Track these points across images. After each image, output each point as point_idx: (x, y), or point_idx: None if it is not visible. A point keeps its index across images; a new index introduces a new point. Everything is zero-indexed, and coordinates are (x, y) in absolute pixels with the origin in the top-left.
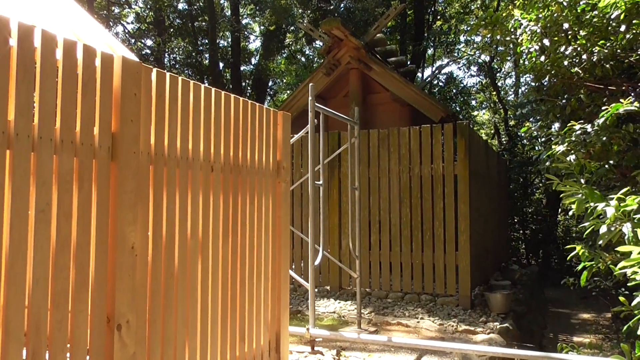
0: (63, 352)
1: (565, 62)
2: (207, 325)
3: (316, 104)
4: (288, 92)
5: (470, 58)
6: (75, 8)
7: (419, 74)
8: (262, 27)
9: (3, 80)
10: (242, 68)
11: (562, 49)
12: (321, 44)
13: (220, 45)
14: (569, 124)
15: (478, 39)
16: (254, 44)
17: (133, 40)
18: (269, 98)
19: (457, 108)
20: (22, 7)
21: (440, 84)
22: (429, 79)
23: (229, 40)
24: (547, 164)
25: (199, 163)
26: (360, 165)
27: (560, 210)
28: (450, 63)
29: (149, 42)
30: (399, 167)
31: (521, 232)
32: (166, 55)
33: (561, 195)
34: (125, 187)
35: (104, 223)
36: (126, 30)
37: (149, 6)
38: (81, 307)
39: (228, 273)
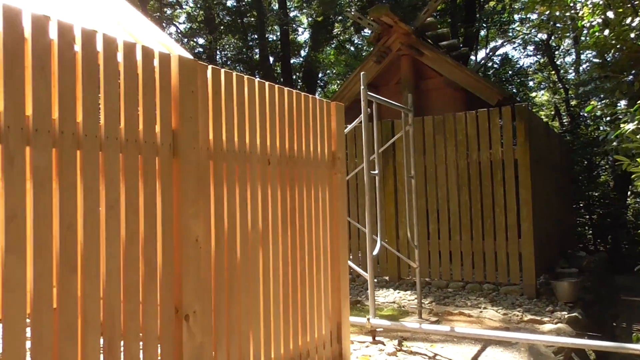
0: (136, 341)
1: (632, 35)
2: (270, 316)
3: (368, 92)
4: (338, 82)
5: (526, 37)
6: (130, 10)
7: (472, 57)
8: (309, 19)
9: (70, 84)
10: (291, 61)
11: (628, 20)
12: (370, 32)
13: (270, 39)
14: (639, 101)
15: (534, 16)
16: (303, 36)
17: (185, 40)
18: (319, 89)
19: (514, 90)
20: (80, 10)
21: (495, 65)
22: (482, 61)
23: (278, 34)
24: (615, 144)
25: (256, 156)
26: (415, 153)
27: (630, 192)
28: (504, 44)
29: (200, 41)
30: (456, 154)
31: (587, 217)
32: (218, 52)
33: (633, 177)
34: (187, 182)
35: (169, 217)
36: (178, 30)
37: (199, 5)
38: (151, 298)
39: (288, 264)
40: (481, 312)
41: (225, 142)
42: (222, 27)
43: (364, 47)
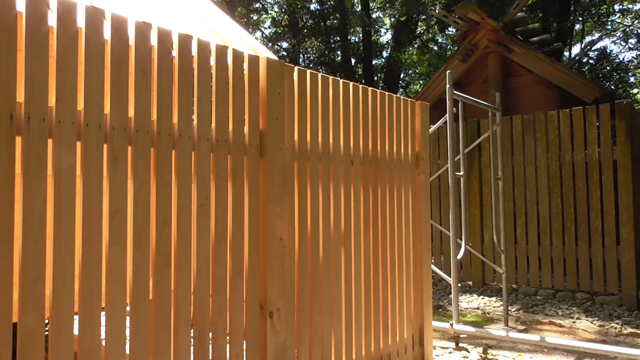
0: (224, 336)
1: None
2: (352, 316)
3: (454, 91)
4: (421, 82)
5: (628, 29)
6: (219, 14)
7: (566, 53)
8: (392, 19)
9: (168, 87)
10: (373, 62)
11: None
12: (455, 30)
13: (352, 41)
14: None
15: (637, 6)
16: (385, 37)
17: (270, 44)
18: (401, 90)
19: (612, 87)
20: (172, 15)
21: (591, 61)
22: (577, 57)
23: (360, 35)
24: None
25: (340, 157)
26: (503, 153)
27: None
28: (602, 37)
29: (284, 45)
30: (547, 155)
31: None
32: (301, 55)
33: None
34: (272, 181)
35: (255, 216)
36: (264, 35)
37: (284, 10)
38: (237, 294)
39: (370, 265)
40: (574, 322)
41: (310, 143)
42: (305, 31)
43: (448, 46)
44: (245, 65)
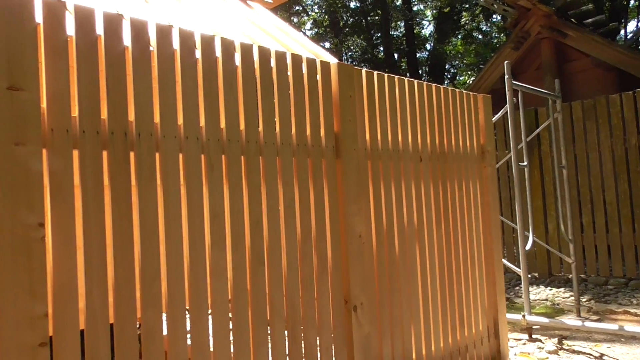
0: (313, 329)
1: None
2: (428, 309)
3: (513, 81)
4: (469, 73)
5: None
6: (275, 20)
7: (622, 32)
8: (434, 11)
9: (253, 98)
10: (417, 55)
11: None
12: (500, 17)
13: (394, 35)
14: None
15: None
16: (427, 29)
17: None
18: (447, 82)
19: None
20: (235, 26)
21: None
22: (634, 36)
23: (401, 29)
24: None
25: (409, 154)
26: (564, 141)
27: None
28: None
29: (327, 44)
30: (611, 140)
31: None
32: (343, 54)
33: None
34: (349, 181)
35: (335, 215)
36: (306, 36)
37: (323, 10)
38: (323, 289)
39: (443, 259)
40: None
41: (380, 142)
42: (347, 29)
43: (494, 34)
44: (318, 70)
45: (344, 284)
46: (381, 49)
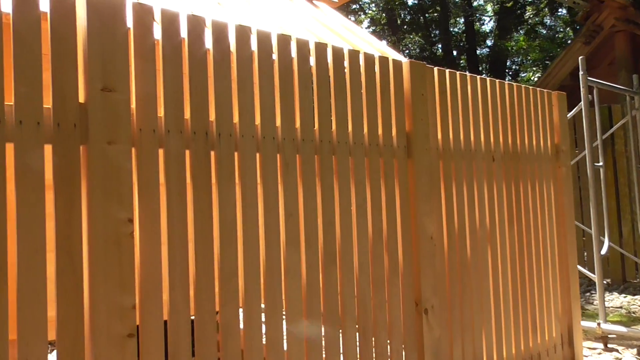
0: (384, 331)
1: None
2: (500, 314)
3: (588, 77)
4: (533, 69)
5: None
6: (342, 19)
7: None
8: (495, 6)
9: (326, 98)
10: (477, 52)
11: None
12: (565, 11)
13: (453, 32)
14: None
15: None
16: (487, 25)
17: None
18: (508, 79)
19: None
20: (303, 26)
21: None
22: None
23: (460, 26)
24: None
25: (481, 154)
26: None
27: None
28: None
29: (384, 43)
30: None
31: None
32: (401, 52)
33: None
34: (420, 181)
35: (407, 215)
36: None
37: (380, 8)
38: (394, 291)
39: (515, 262)
40: None
41: (452, 142)
42: (404, 27)
43: (559, 29)
44: (391, 70)
45: (415, 286)
46: (439, 46)
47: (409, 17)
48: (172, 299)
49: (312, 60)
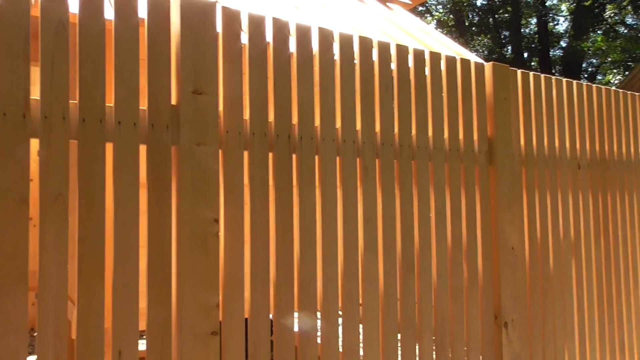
0: (461, 343)
1: None
2: (584, 330)
3: None
4: (614, 71)
5: None
6: (418, 22)
7: None
8: (572, 5)
9: (406, 102)
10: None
11: None
12: None
13: (524, 33)
14: None
15: None
16: (561, 25)
17: None
18: (584, 81)
19: None
20: (379, 28)
21: None
22: None
23: (532, 26)
24: None
25: (566, 161)
26: None
27: None
28: None
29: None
30: None
31: None
32: None
33: None
34: (502, 189)
35: (487, 224)
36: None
37: (448, 9)
38: (473, 302)
39: (602, 276)
40: None
41: (536, 147)
42: (472, 28)
43: None
44: (472, 73)
45: (495, 298)
46: (509, 48)
47: (477, 19)
48: (254, 298)
49: (393, 64)
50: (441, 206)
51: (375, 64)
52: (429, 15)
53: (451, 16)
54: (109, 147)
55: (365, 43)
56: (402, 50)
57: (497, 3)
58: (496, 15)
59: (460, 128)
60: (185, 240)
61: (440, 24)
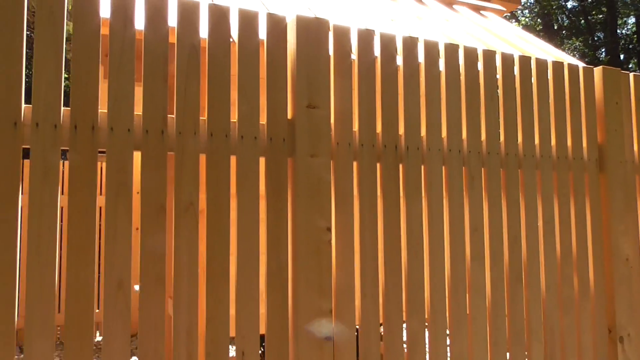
0: (574, 356)
1: None
2: None
3: None
4: None
5: None
6: (514, 28)
7: None
8: None
9: (511, 109)
10: None
11: None
12: None
13: (620, 34)
14: None
15: None
16: None
17: None
18: None
19: None
20: (478, 35)
21: None
22: None
23: (629, 26)
24: None
25: None
26: None
27: None
28: None
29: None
30: None
31: None
32: None
33: None
34: (614, 197)
35: (598, 234)
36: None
37: (535, 13)
38: (584, 315)
39: None
40: None
41: None
42: (562, 32)
43: None
44: (581, 78)
45: (608, 311)
46: (602, 50)
47: (567, 22)
48: (364, 306)
49: (498, 73)
50: (549, 215)
51: (480, 73)
52: (514, 20)
53: (539, 20)
54: (233, 160)
55: (470, 53)
56: (507, 59)
57: (591, 4)
58: (589, 17)
59: (569, 135)
60: (300, 248)
61: (527, 29)
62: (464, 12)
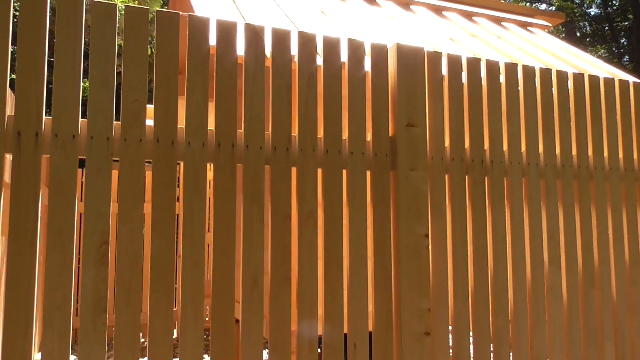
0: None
1: None
2: None
3: None
4: None
5: None
6: (560, 43)
7: None
8: None
9: (582, 124)
10: None
11: None
12: None
13: None
14: None
15: None
16: None
17: None
18: None
19: None
20: (525, 50)
21: None
22: None
23: None
24: None
25: None
26: None
27: None
28: None
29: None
30: None
31: None
32: None
33: None
34: None
35: None
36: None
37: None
38: None
39: None
40: None
41: None
42: (586, 39)
43: None
44: (631, 93)
45: None
46: (627, 57)
47: (589, 29)
48: (456, 306)
49: (570, 88)
50: (618, 225)
51: (554, 94)
52: None
53: (562, 28)
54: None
55: (545, 74)
56: (578, 78)
57: (615, 11)
58: (614, 24)
59: (635, 148)
60: (402, 252)
61: None
62: (514, 29)
